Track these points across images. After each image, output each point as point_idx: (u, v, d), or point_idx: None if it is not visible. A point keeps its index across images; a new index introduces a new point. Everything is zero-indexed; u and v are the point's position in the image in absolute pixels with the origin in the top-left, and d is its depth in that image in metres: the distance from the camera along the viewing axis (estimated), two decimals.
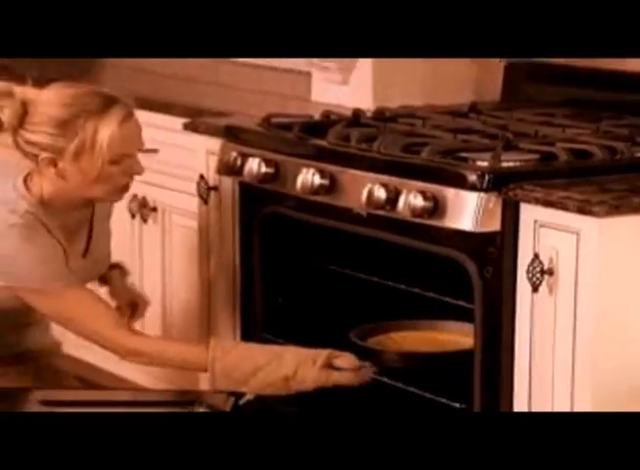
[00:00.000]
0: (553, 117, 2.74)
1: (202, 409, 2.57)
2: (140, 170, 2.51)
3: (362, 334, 2.67)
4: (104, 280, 2.77)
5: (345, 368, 2.41)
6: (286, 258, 2.80)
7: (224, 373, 2.42)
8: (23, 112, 2.44)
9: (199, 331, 2.95)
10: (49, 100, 2.45)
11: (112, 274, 2.74)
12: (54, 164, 2.44)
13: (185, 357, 2.48)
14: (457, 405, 2.43)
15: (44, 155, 2.44)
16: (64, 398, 2.59)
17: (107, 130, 2.42)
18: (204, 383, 2.87)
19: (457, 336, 2.68)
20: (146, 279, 3.21)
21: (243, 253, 2.82)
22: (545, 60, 2.90)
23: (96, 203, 2.58)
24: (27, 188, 2.49)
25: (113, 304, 2.68)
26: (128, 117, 2.47)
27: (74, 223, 2.56)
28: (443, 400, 2.45)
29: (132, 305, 2.76)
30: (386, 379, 2.53)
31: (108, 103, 2.45)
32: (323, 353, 2.41)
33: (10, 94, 2.45)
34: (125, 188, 2.53)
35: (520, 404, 2.30)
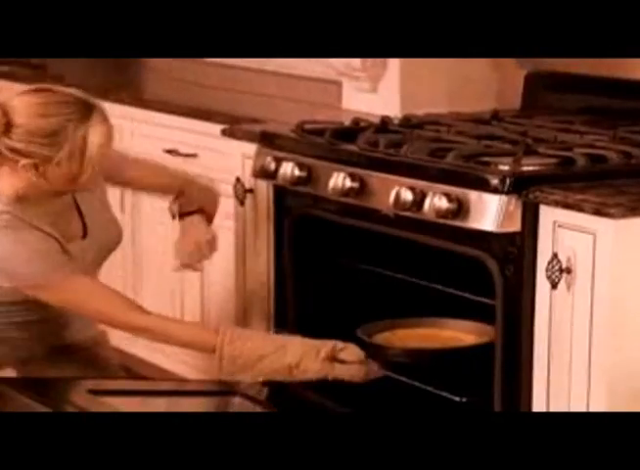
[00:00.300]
0: (571, 123, 2.74)
1: (238, 399, 2.60)
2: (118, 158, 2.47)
3: (369, 331, 2.67)
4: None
5: (349, 361, 2.39)
6: (317, 256, 2.80)
7: (231, 358, 2.40)
8: (6, 121, 2.36)
9: (234, 324, 2.97)
10: (33, 110, 2.37)
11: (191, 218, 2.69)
12: (35, 168, 2.38)
13: (194, 338, 2.46)
14: (457, 399, 2.43)
15: (25, 161, 2.37)
16: (110, 387, 2.62)
17: (95, 137, 2.38)
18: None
19: (459, 333, 2.69)
20: (185, 276, 3.23)
21: (276, 251, 2.82)
22: (564, 69, 2.91)
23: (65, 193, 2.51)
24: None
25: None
26: (105, 117, 2.42)
27: (59, 209, 2.50)
28: (445, 394, 2.45)
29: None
30: (390, 373, 2.53)
31: (88, 108, 2.40)
32: (327, 345, 2.39)
33: None
34: (95, 181, 2.48)
35: (539, 396, 2.30)
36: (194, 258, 2.70)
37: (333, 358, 2.39)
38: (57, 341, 2.66)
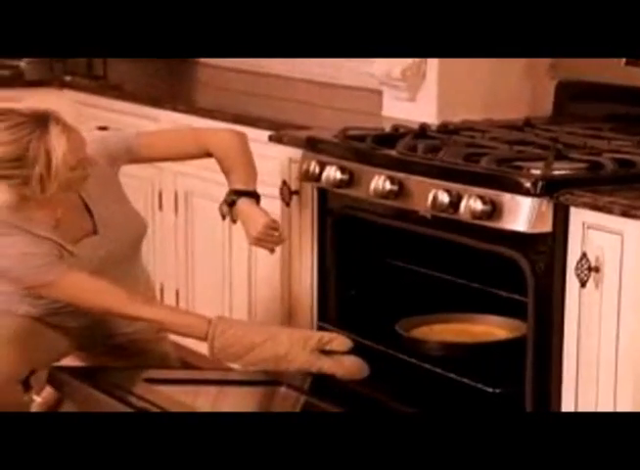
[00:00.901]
0: (600, 130, 2.71)
1: (283, 389, 2.58)
2: (93, 163, 2.43)
3: (406, 326, 2.65)
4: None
5: (336, 350, 2.35)
6: (358, 255, 2.79)
7: (222, 348, 2.39)
8: None
9: (280, 319, 2.95)
10: None
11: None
12: (24, 185, 2.36)
13: (188, 327, 2.44)
14: (490, 390, 2.41)
15: (10, 182, 2.36)
16: (163, 376, 2.62)
17: (58, 149, 2.34)
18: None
19: (492, 328, 2.67)
20: (234, 272, 3.22)
21: (320, 250, 2.81)
22: (593, 79, 2.87)
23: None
24: None
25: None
26: (64, 125, 2.38)
27: (62, 211, 2.48)
28: (479, 386, 2.43)
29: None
30: (427, 366, 2.51)
31: (42, 122, 2.36)
32: (314, 337, 2.37)
33: None
34: (84, 180, 2.44)
35: (568, 389, 2.27)
36: (263, 241, 2.62)
37: (320, 350, 2.36)
38: (108, 332, 2.66)
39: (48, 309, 2.58)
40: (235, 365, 2.50)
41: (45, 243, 2.45)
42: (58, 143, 2.35)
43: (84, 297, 2.45)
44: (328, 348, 2.37)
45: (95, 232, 2.53)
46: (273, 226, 2.61)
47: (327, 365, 2.36)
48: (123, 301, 2.44)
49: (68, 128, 2.39)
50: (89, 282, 2.45)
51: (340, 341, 2.37)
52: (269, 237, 2.61)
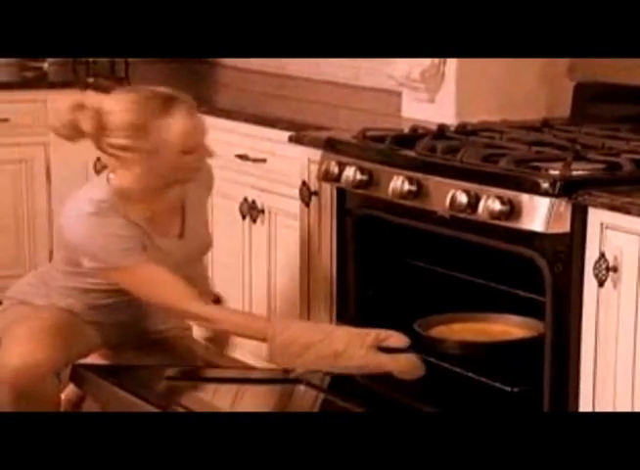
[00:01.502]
0: (618, 131, 2.70)
1: (302, 387, 2.58)
2: (210, 154, 2.51)
3: (424, 325, 2.64)
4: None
5: (394, 347, 2.31)
6: (377, 254, 2.79)
7: (282, 347, 2.38)
8: (99, 120, 2.45)
9: (299, 317, 2.95)
10: (121, 107, 2.45)
11: None
12: (134, 160, 2.45)
13: (249, 327, 2.45)
14: (508, 389, 2.40)
15: (127, 154, 2.45)
16: (185, 374, 2.62)
17: (177, 127, 2.43)
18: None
19: (509, 327, 2.66)
20: (254, 271, 3.22)
21: (339, 250, 2.81)
22: (610, 80, 2.86)
23: (184, 186, 2.56)
24: (108, 181, 2.50)
25: None
26: (190, 111, 2.47)
27: (164, 209, 2.55)
28: (497, 385, 2.42)
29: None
30: (446, 365, 2.51)
31: (169, 102, 2.45)
32: (372, 334, 2.33)
33: (81, 106, 2.47)
34: (198, 169, 2.53)
35: (585, 388, 2.26)
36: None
37: (377, 347, 2.33)
38: (141, 329, 2.69)
39: (88, 305, 2.61)
40: (293, 366, 2.48)
41: (136, 230, 2.50)
42: (176, 122, 2.44)
43: (152, 290, 2.48)
44: (385, 344, 2.34)
45: (181, 236, 2.59)
46: None
47: (384, 362, 2.32)
48: (188, 299, 2.45)
49: (192, 113, 2.48)
50: (162, 276, 2.47)
51: (397, 338, 2.33)
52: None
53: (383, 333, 2.34)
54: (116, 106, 2.46)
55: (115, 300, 2.60)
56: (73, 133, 2.49)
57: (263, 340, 2.41)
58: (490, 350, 2.58)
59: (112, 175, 2.52)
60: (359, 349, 2.32)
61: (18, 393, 2.47)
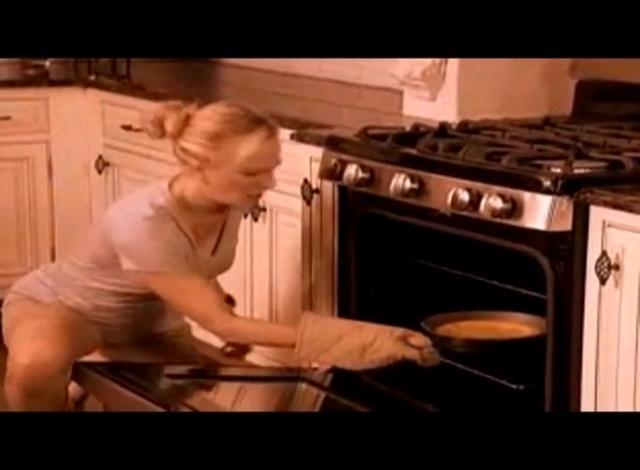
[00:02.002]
0: (620, 129, 2.69)
1: (304, 385, 2.58)
2: (271, 184, 2.54)
3: (432, 323, 2.65)
4: None
5: (417, 346, 2.39)
6: (378, 252, 2.78)
7: (310, 340, 2.41)
8: (184, 123, 2.49)
9: (301, 315, 2.95)
10: (206, 115, 2.50)
11: None
12: (200, 169, 2.49)
13: (276, 335, 2.50)
14: (514, 387, 2.40)
15: (193, 161, 2.49)
16: (186, 372, 2.62)
17: (246, 148, 2.46)
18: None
19: (516, 325, 2.66)
20: (256, 269, 3.22)
21: (340, 247, 2.81)
22: (612, 78, 2.86)
23: (230, 208, 2.62)
24: (171, 188, 2.54)
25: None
26: (270, 137, 2.49)
27: (206, 226, 2.59)
28: (503, 382, 2.42)
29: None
30: (451, 362, 2.51)
31: (254, 123, 2.48)
32: (400, 329, 2.41)
33: (178, 108, 2.52)
34: (257, 197, 2.58)
35: (587, 385, 2.26)
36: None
37: (405, 341, 2.40)
38: (147, 331, 2.70)
39: (98, 306, 2.62)
40: (320, 361, 2.49)
41: (184, 239, 2.54)
42: (248, 143, 2.47)
43: (185, 299, 2.51)
44: (410, 342, 2.41)
45: (213, 252, 2.63)
46: None
47: (411, 352, 2.39)
48: (220, 314, 2.49)
49: (270, 139, 2.50)
50: (198, 287, 2.51)
51: (419, 337, 2.42)
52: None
53: (409, 331, 2.42)
54: (205, 115, 2.50)
55: (128, 305, 2.62)
56: (157, 130, 2.52)
57: (292, 346, 2.44)
58: (497, 347, 2.57)
59: (175, 183, 2.55)
60: (388, 340, 2.38)
61: (28, 391, 2.49)
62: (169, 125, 2.50)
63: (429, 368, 2.40)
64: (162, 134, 2.52)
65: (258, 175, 2.50)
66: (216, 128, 2.47)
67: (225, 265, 2.70)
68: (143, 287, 2.55)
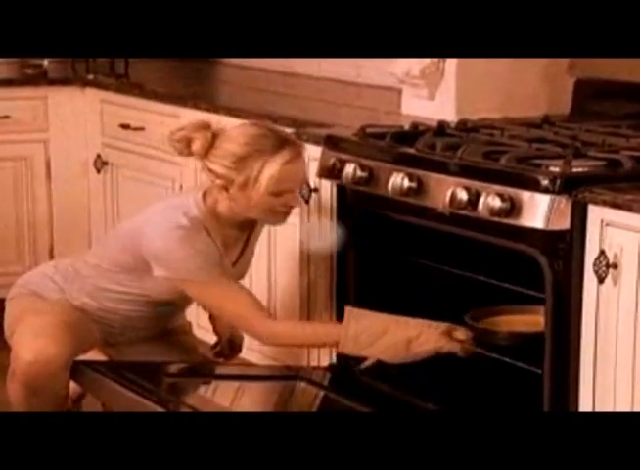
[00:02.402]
0: (618, 128, 2.69)
1: (303, 384, 2.58)
2: (294, 203, 2.57)
3: (475, 316, 2.66)
4: (211, 317, 2.83)
5: (460, 339, 2.42)
6: (376, 250, 2.79)
7: (355, 335, 2.43)
8: (211, 144, 2.52)
9: (299, 314, 2.95)
10: (231, 137, 2.53)
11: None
12: (225, 189, 2.52)
13: (318, 335, 2.52)
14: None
15: (218, 182, 2.52)
16: (185, 371, 2.62)
17: (270, 170, 2.49)
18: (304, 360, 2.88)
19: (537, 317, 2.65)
20: (254, 269, 3.22)
21: (339, 246, 2.81)
22: (611, 77, 2.86)
23: (258, 224, 2.66)
24: (204, 200, 2.57)
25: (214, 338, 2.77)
26: (294, 158, 2.52)
27: (233, 239, 2.63)
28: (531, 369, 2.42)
29: (230, 342, 2.83)
30: (495, 355, 2.52)
31: (279, 145, 2.51)
32: (444, 324, 2.44)
33: (206, 127, 2.55)
34: (284, 215, 2.59)
35: (585, 383, 2.27)
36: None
37: (449, 335, 2.43)
38: (150, 333, 2.70)
39: (104, 307, 2.64)
40: (362, 354, 2.49)
41: (215, 248, 2.57)
42: (273, 165, 2.50)
43: (225, 305, 2.55)
44: (454, 335, 2.44)
45: (234, 264, 2.66)
46: None
47: (454, 345, 2.42)
48: (260, 318, 2.52)
49: (294, 161, 2.53)
50: (236, 293, 2.55)
51: (463, 331, 2.45)
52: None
53: (453, 326, 2.46)
54: (231, 136, 2.53)
55: (133, 308, 2.64)
56: (183, 148, 2.56)
57: (335, 344, 2.46)
58: (540, 340, 2.56)
59: (208, 195, 2.58)
60: (434, 333, 2.41)
61: (30, 387, 2.51)
62: (196, 146, 2.53)
63: (465, 358, 2.43)
64: (189, 154, 2.56)
65: (282, 196, 2.53)
66: (241, 150, 2.50)
67: (241, 277, 2.72)
68: (170, 293, 2.57)
